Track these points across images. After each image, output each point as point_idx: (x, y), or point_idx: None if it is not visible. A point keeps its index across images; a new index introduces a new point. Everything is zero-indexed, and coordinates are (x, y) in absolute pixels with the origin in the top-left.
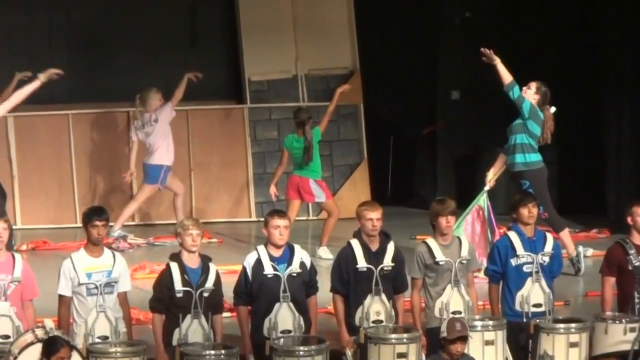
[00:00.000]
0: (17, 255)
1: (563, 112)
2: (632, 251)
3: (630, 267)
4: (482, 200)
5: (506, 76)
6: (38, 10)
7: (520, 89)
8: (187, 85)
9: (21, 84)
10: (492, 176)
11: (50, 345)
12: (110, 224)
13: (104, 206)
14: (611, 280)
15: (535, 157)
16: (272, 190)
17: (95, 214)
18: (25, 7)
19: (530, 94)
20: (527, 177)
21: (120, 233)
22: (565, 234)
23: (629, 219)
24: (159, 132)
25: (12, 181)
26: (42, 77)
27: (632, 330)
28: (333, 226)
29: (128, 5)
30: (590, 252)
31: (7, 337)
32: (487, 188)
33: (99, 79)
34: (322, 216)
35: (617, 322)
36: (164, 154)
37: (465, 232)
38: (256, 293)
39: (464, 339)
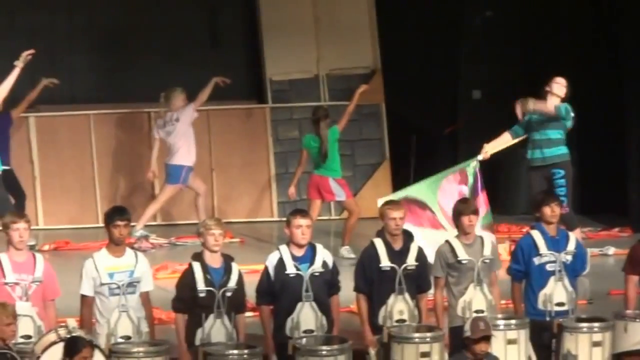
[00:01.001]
0: (38, 256)
1: (584, 110)
2: None
3: None
4: (471, 167)
5: (546, 107)
6: (59, 11)
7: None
8: (213, 88)
9: (47, 89)
10: (489, 149)
11: (73, 345)
12: (132, 224)
13: (125, 206)
14: (634, 279)
15: (568, 150)
16: (291, 190)
17: (117, 214)
18: (46, 8)
19: (559, 89)
20: (563, 167)
21: (142, 233)
22: (577, 234)
23: None
24: (180, 132)
25: (34, 182)
26: (19, 63)
27: None
28: (354, 225)
29: (149, 5)
30: (612, 250)
31: (29, 337)
32: (480, 158)
33: (121, 80)
34: (345, 215)
35: (637, 320)
36: (185, 154)
37: (441, 191)
38: (278, 292)
39: (487, 338)
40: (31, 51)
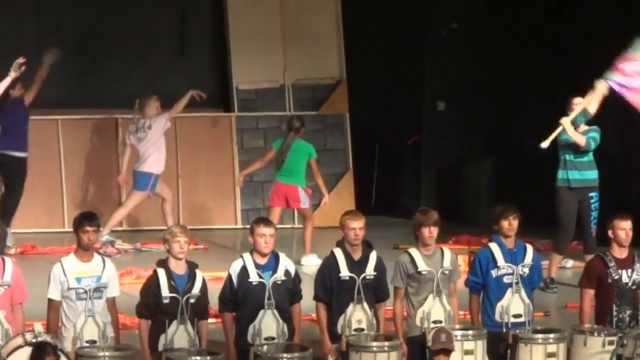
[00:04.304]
0: (7, 259)
1: (548, 117)
2: (612, 264)
3: (609, 280)
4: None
5: (579, 138)
6: (27, 14)
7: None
8: (190, 101)
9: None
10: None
11: (37, 352)
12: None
13: (94, 212)
14: (590, 293)
15: None
16: (239, 179)
17: (86, 220)
18: (14, 11)
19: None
20: (597, 191)
21: (108, 238)
22: (559, 258)
23: (609, 232)
24: (151, 140)
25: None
26: (12, 73)
27: (611, 343)
28: (313, 231)
29: (118, 11)
30: (570, 263)
31: None
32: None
33: (89, 85)
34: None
35: (596, 334)
36: (154, 162)
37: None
38: (241, 300)
39: (447, 351)
40: (23, 60)
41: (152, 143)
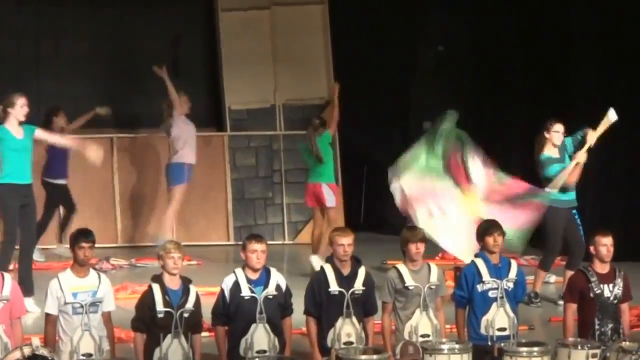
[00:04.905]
0: (6, 275)
1: (531, 136)
2: (594, 279)
3: (591, 295)
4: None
5: (572, 176)
6: (26, 37)
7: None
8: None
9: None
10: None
11: None
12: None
13: (90, 229)
14: (573, 307)
15: None
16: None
17: (82, 236)
18: (14, 34)
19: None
20: (576, 209)
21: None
22: (544, 274)
23: (591, 248)
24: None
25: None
26: (90, 151)
27: (594, 356)
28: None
29: (114, 34)
30: (553, 278)
31: None
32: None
33: (87, 106)
34: (298, 240)
35: (580, 347)
36: (187, 153)
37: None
38: (233, 314)
39: None
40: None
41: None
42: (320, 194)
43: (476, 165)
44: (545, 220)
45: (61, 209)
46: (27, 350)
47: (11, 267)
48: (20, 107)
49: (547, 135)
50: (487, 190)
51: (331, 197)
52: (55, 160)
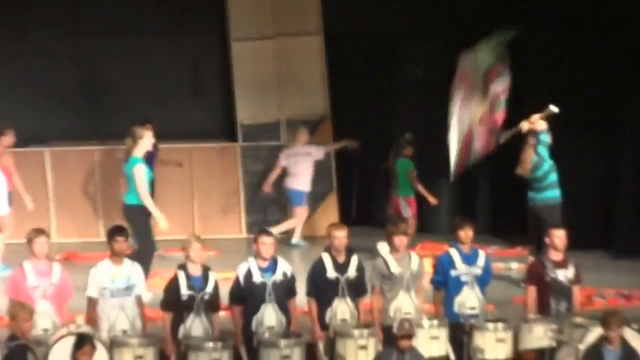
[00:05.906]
0: (55, 264)
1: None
2: (549, 265)
3: (547, 279)
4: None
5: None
6: (50, 60)
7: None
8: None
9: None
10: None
11: (78, 342)
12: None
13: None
14: (533, 289)
15: None
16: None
17: (115, 232)
18: (38, 57)
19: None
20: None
21: (298, 242)
22: None
23: (546, 239)
24: (306, 164)
25: (49, 204)
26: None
27: (551, 330)
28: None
29: (142, 60)
30: (515, 265)
31: (47, 330)
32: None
33: (119, 123)
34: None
35: (539, 323)
36: (305, 181)
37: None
38: (247, 296)
39: (409, 336)
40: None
41: (306, 167)
42: (397, 205)
43: (499, 84)
44: (545, 218)
45: None
46: (72, 328)
47: (57, 257)
48: None
49: None
50: (488, 108)
51: (406, 208)
52: None
